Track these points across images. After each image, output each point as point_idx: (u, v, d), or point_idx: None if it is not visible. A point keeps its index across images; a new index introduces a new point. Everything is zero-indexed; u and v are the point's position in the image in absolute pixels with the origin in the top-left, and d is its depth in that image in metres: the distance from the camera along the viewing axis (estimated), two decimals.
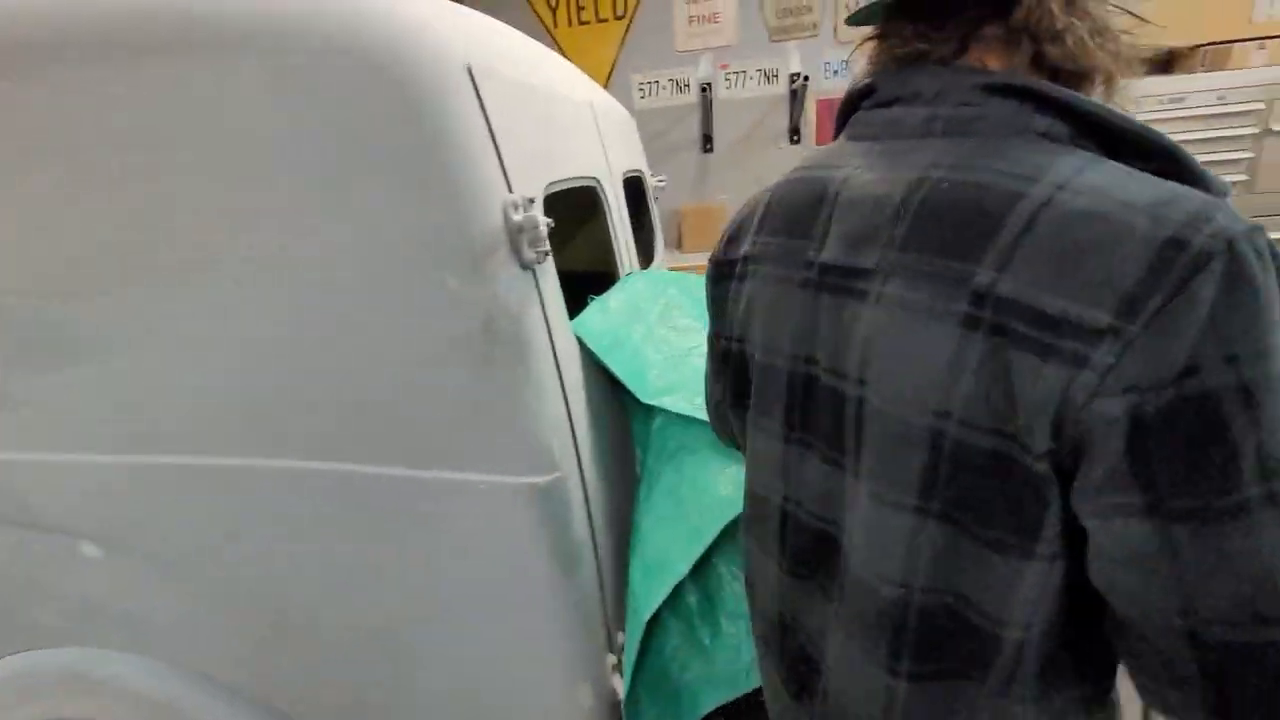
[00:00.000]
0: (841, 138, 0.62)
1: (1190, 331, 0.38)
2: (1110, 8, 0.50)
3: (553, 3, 3.36)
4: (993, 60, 0.52)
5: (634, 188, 1.88)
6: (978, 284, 0.45)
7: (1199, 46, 2.49)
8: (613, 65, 3.41)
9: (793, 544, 0.64)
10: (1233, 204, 0.42)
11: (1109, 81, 0.52)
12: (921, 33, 0.53)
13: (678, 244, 3.44)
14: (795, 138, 3.29)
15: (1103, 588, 0.45)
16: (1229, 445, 0.39)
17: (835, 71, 3.17)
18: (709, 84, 3.30)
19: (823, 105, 3.22)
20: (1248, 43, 2.36)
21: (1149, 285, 0.39)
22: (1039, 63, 0.51)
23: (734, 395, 0.73)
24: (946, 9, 0.52)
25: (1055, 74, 0.51)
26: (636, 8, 3.29)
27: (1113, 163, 0.46)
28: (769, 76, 3.24)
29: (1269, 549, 0.39)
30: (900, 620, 0.54)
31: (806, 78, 3.15)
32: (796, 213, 0.61)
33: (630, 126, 1.90)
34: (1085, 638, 0.50)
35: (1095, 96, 0.51)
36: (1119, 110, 0.48)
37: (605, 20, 3.34)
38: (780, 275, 0.62)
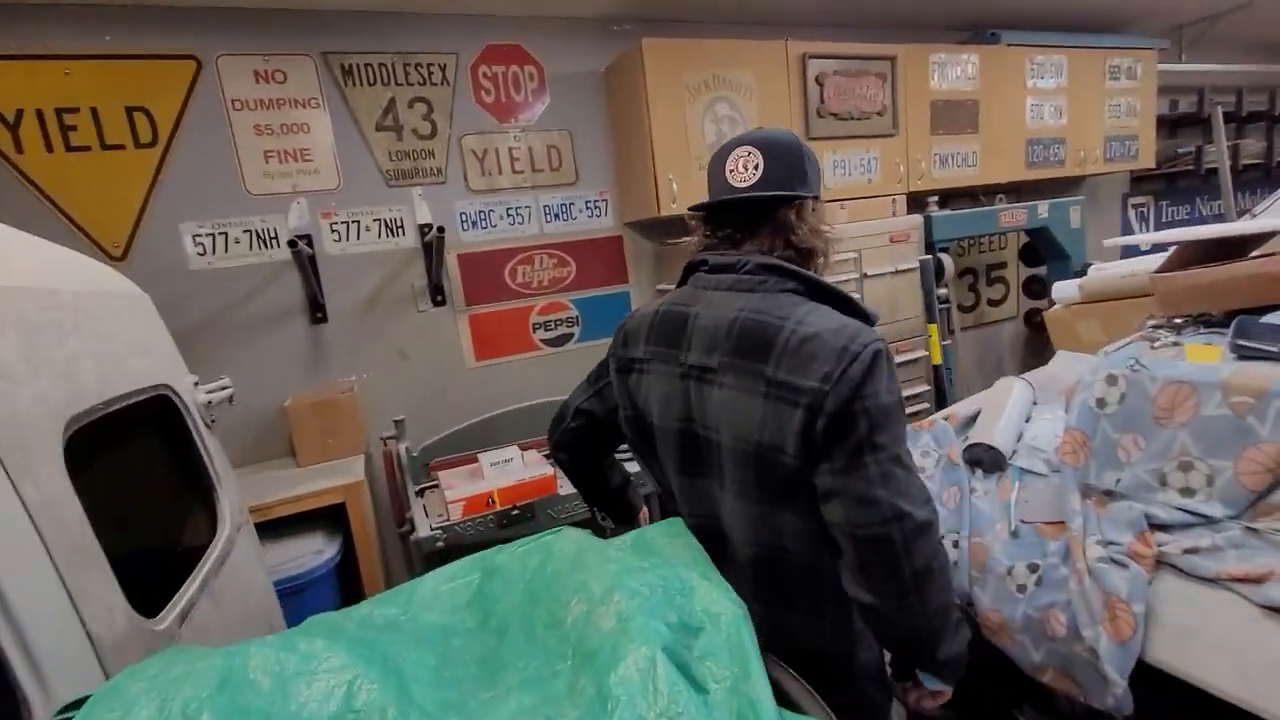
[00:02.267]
0: (689, 285, 1.11)
1: (848, 387, 0.89)
2: (824, 226, 1.06)
3: (9, 116, 1.98)
4: (766, 242, 1.04)
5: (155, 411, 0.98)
6: (767, 374, 0.94)
7: None
8: (141, 210, 2.16)
9: (701, 540, 0.94)
10: (876, 325, 0.99)
11: (824, 256, 1.07)
12: (730, 225, 1.07)
13: (290, 452, 2.28)
14: (439, 298, 2.57)
15: (825, 516, 0.94)
16: (859, 436, 0.90)
17: (474, 223, 2.61)
18: (307, 236, 2.35)
19: (465, 261, 2.60)
20: (834, 202, 2.71)
21: (835, 368, 0.89)
22: (790, 244, 1.03)
23: (642, 451, 1.17)
24: (743, 215, 1.05)
25: (799, 250, 1.03)
26: (175, 133, 2.17)
27: (823, 306, 0.98)
28: (392, 228, 2.49)
29: (870, 486, 0.89)
30: (757, 568, 1.03)
31: (441, 229, 2.51)
32: (671, 331, 1.07)
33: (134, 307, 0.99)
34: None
35: (820, 264, 1.07)
36: (825, 278, 1.03)
37: (119, 147, 2.11)
38: (665, 371, 1.08)
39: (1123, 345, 1.51)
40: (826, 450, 0.91)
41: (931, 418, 1.72)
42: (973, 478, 1.51)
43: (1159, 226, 4.54)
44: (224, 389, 1.37)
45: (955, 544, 1.40)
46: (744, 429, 0.96)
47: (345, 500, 2.02)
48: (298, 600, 1.90)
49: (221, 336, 2.27)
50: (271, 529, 2.00)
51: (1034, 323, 3.85)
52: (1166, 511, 1.18)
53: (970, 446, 1.53)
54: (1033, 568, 1.26)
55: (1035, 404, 1.68)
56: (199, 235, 2.23)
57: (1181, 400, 1.21)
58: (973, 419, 1.65)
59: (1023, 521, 1.36)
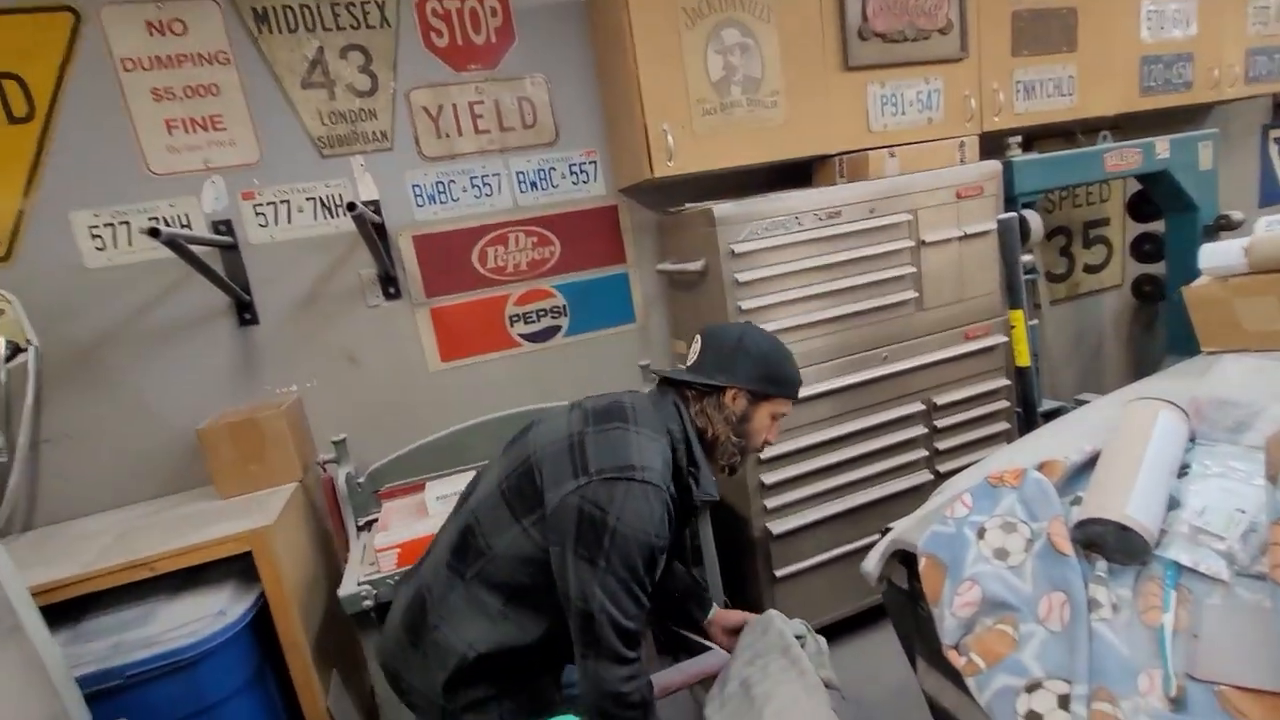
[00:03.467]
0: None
1: None
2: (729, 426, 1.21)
3: None
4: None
5: None
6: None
7: (830, 157, 2.14)
8: (22, 200, 1.78)
9: None
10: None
11: (720, 443, 1.22)
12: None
13: (211, 479, 1.88)
14: (392, 290, 2.11)
15: None
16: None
17: (431, 198, 2.12)
18: (227, 222, 1.93)
19: (423, 245, 2.12)
20: (880, 150, 2.06)
21: None
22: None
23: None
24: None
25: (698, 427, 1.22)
26: (54, 104, 1.77)
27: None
28: (329, 207, 2.03)
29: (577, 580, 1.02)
30: None
31: (374, 205, 2.03)
32: None
33: None
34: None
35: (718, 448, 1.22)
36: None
37: None
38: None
39: None
40: None
41: (1017, 466, 1.11)
42: (1094, 579, 0.91)
43: None
44: None
45: (1065, 703, 0.82)
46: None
47: (251, 549, 1.61)
48: (188, 679, 1.51)
49: (130, 347, 1.89)
50: (170, 583, 1.62)
51: (1144, 293, 3.05)
52: None
53: (1085, 523, 0.93)
54: None
55: (1193, 444, 1.05)
56: (95, 226, 1.83)
57: None
58: (1087, 467, 1.05)
59: (1192, 678, 0.77)
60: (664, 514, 1.05)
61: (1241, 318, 1.39)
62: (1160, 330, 3.01)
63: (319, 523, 1.97)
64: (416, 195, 2.10)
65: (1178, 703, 0.74)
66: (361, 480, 1.95)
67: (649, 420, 1.16)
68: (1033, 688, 0.84)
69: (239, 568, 1.70)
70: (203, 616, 1.57)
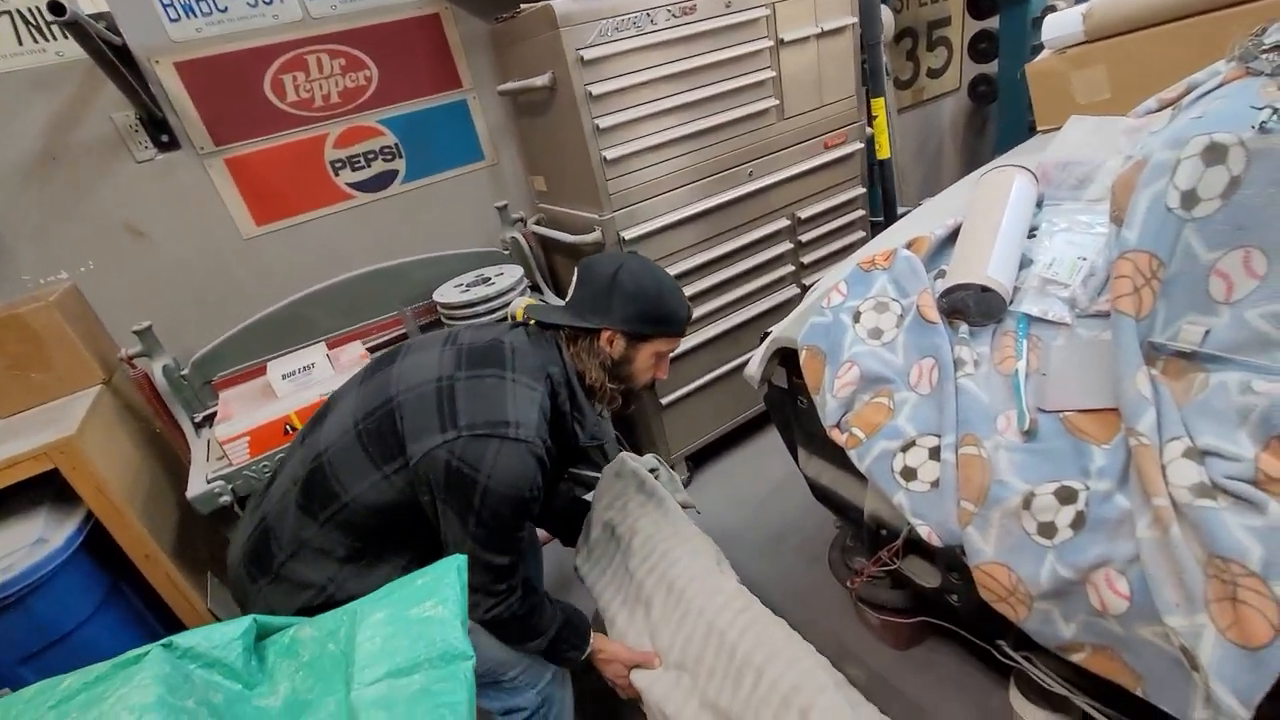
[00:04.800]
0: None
1: None
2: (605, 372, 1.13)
3: None
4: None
5: None
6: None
7: None
8: None
9: None
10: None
11: (599, 388, 1.14)
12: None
13: None
14: (166, 138, 1.66)
15: None
16: None
17: (187, 8, 1.62)
18: None
19: (190, 73, 1.65)
20: None
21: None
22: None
23: None
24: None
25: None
26: None
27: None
28: (37, 25, 1.49)
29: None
30: None
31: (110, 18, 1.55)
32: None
33: None
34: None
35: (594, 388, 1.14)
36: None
37: None
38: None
39: (1202, 90, 0.88)
40: None
41: (888, 247, 1.11)
42: (958, 341, 0.94)
43: None
44: None
45: (935, 454, 0.87)
46: None
47: (57, 466, 1.33)
48: (21, 616, 1.30)
49: None
50: None
51: (980, 94, 3.17)
52: None
53: (951, 291, 0.95)
54: (1066, 495, 0.75)
55: (1040, 206, 1.08)
56: None
57: None
58: (951, 240, 1.06)
59: (1042, 411, 0.83)
60: (538, 470, 0.99)
61: (1076, 91, 1.43)
62: (991, 133, 3.18)
63: (145, 426, 1.68)
64: (165, 3, 1.59)
65: (1030, 434, 0.81)
66: (186, 372, 1.66)
67: (527, 365, 1.06)
68: (907, 447, 0.88)
69: (51, 490, 1.43)
70: (17, 549, 1.32)
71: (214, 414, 1.61)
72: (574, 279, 1.16)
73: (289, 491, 1.05)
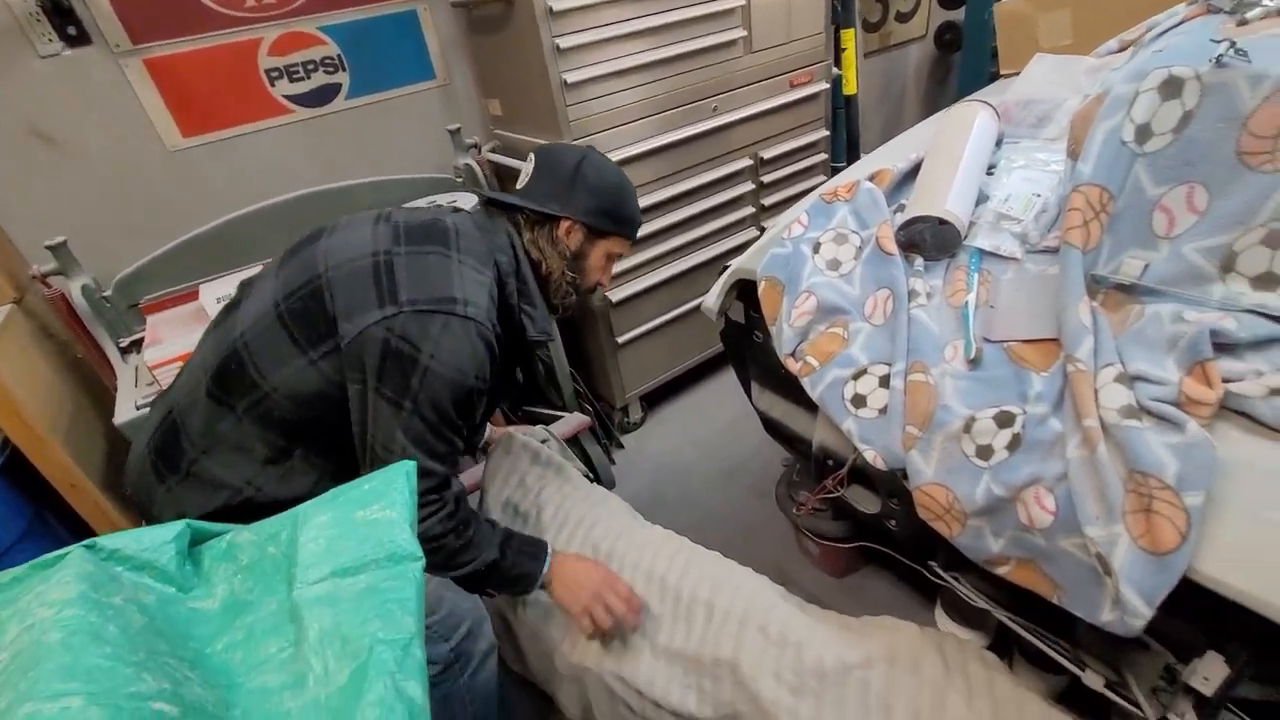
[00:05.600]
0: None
1: None
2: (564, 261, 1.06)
3: None
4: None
5: None
6: None
7: None
8: None
9: None
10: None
11: (557, 281, 1.07)
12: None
13: None
14: (73, 30, 1.49)
15: None
16: None
17: None
18: None
19: None
20: None
21: None
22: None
23: None
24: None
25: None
26: None
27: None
28: None
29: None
30: None
31: None
32: None
33: None
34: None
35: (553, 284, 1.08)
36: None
37: None
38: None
39: (1162, 29, 0.89)
40: None
41: (851, 179, 1.10)
42: (913, 273, 0.95)
43: None
44: None
45: (885, 382, 0.89)
46: None
47: None
48: None
49: None
50: None
51: (945, 41, 3.15)
52: (1236, 320, 0.69)
53: (909, 224, 0.95)
54: (1004, 419, 0.78)
55: (1000, 144, 1.09)
56: None
57: None
58: (913, 174, 1.06)
59: (988, 340, 0.85)
60: (487, 356, 0.91)
61: (1041, 34, 1.43)
62: (953, 83, 3.18)
63: (65, 350, 1.57)
64: None
65: (975, 362, 0.83)
66: (108, 293, 1.55)
67: (474, 249, 0.97)
68: (859, 375, 0.90)
69: None
70: None
71: (142, 339, 1.51)
72: (530, 165, 1.09)
73: (200, 382, 0.94)
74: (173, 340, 1.40)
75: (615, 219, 1.08)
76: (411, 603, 0.41)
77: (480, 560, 0.96)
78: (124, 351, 1.54)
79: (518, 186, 1.09)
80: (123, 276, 1.56)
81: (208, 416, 0.93)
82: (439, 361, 0.86)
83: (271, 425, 0.92)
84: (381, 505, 0.47)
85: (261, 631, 0.42)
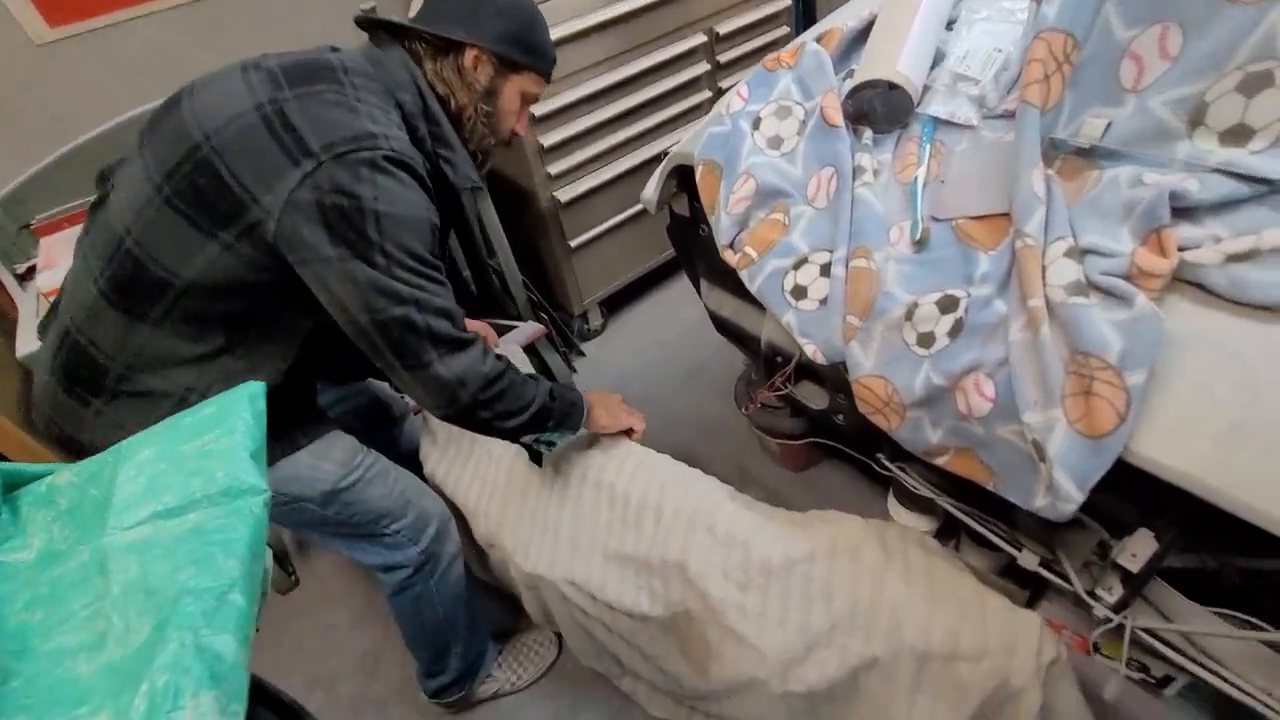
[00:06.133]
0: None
1: None
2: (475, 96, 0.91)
3: None
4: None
5: None
6: None
7: None
8: None
9: None
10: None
11: (464, 114, 0.93)
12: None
13: None
14: None
15: None
16: None
17: None
18: None
19: None
20: None
21: None
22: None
23: None
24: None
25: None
26: None
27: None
28: None
29: None
30: None
31: None
32: None
33: None
34: None
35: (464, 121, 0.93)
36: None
37: None
38: None
39: None
40: None
41: (794, 43, 0.97)
42: (860, 148, 0.86)
43: None
44: None
45: (826, 270, 0.82)
46: None
47: None
48: None
49: None
50: None
51: None
52: (1199, 180, 0.62)
53: (857, 90, 0.85)
54: (948, 303, 0.72)
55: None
56: None
57: None
58: (864, 35, 0.93)
59: (935, 219, 0.78)
60: (424, 194, 0.79)
61: None
62: None
63: None
64: None
65: (921, 244, 0.76)
66: None
67: (369, 87, 0.82)
68: (799, 264, 0.83)
69: None
70: None
71: (35, 266, 1.38)
72: None
73: (92, 295, 0.82)
74: (70, 262, 1.28)
75: (528, 48, 0.93)
76: (240, 543, 0.36)
77: (540, 391, 0.92)
78: (21, 279, 1.41)
79: (410, 13, 0.92)
80: (4, 195, 1.40)
81: (119, 330, 0.81)
82: (385, 201, 0.75)
83: (198, 322, 0.81)
84: (218, 433, 0.41)
85: (66, 585, 0.36)
